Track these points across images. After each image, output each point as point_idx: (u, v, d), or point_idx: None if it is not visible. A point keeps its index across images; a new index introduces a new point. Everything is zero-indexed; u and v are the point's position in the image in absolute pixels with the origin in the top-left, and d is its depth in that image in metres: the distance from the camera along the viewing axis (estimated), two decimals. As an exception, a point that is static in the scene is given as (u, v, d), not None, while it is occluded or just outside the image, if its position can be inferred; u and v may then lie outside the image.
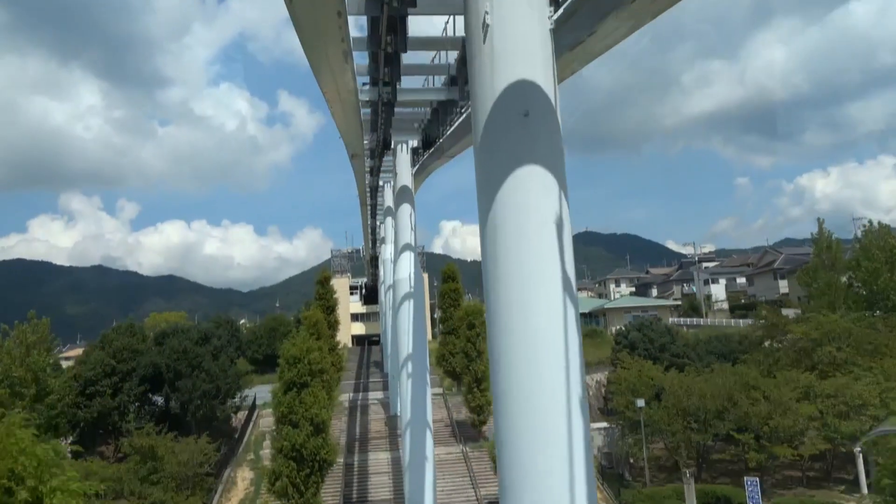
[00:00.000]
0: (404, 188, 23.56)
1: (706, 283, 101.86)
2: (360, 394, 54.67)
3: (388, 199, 42.15)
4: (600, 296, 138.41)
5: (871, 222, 51.40)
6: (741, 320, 71.50)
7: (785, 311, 61.36)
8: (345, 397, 50.18)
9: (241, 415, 43.57)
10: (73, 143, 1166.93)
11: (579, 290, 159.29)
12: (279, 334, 63.52)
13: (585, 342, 54.73)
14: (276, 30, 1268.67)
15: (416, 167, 25.96)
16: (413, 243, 23.23)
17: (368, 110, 19.75)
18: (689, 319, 71.00)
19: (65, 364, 52.77)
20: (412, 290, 22.75)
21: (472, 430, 37.62)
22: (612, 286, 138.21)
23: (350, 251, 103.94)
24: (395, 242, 31.39)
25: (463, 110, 18.17)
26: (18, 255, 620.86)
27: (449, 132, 21.73)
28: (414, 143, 24.10)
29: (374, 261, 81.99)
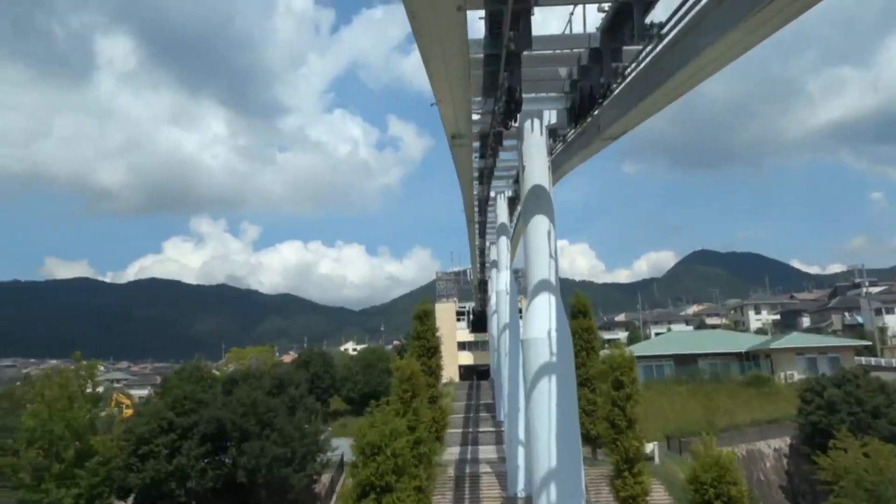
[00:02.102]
0: (537, 190, 14.62)
1: (878, 312, 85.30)
2: (469, 448, 45.82)
3: (501, 214, 33.25)
4: (736, 324, 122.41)
5: None
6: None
7: None
8: (450, 454, 41.55)
9: (327, 477, 36.00)
10: (201, 170, 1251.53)
11: (708, 316, 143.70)
12: (377, 371, 56.16)
13: (749, 391, 42.38)
14: (386, 57, 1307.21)
15: (553, 155, 16.98)
16: (554, 279, 14.19)
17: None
18: (873, 360, 56.77)
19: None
20: (554, 355, 13.71)
21: (620, 525, 27.65)
22: (751, 314, 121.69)
23: (457, 272, 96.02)
24: (518, 270, 22.80)
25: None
26: (153, 274, 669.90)
27: (618, 90, 12.73)
28: (552, 115, 15.28)
29: (483, 285, 73.44)
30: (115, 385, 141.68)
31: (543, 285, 14.22)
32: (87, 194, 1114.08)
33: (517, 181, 32.35)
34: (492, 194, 32.61)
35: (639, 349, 57.34)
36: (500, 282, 32.87)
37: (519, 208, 37.29)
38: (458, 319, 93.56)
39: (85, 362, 31.51)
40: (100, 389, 32.37)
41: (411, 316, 37.73)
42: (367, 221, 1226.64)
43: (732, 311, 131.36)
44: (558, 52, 14.03)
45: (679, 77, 11.14)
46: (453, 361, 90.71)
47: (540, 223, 14.48)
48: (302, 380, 35.47)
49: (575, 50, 13.29)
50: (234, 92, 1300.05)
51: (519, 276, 47.41)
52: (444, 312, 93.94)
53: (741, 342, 60.26)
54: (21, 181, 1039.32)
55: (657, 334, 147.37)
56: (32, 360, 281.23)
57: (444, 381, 73.68)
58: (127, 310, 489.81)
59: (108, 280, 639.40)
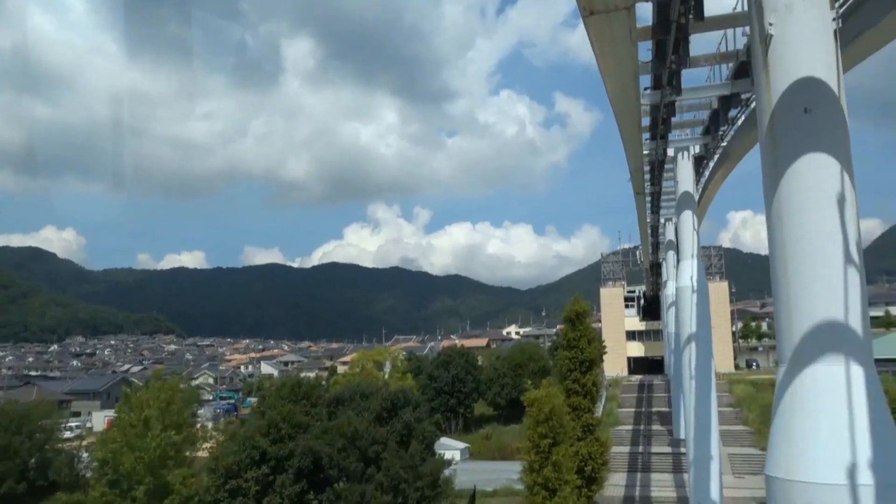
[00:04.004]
0: (814, 88, 5.67)
1: None
2: (638, 477, 36.40)
3: (683, 179, 23.53)
4: None
5: None
6: None
7: None
8: (614, 487, 32.64)
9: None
10: (377, 159, 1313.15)
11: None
12: (528, 372, 48.23)
13: None
14: (551, 34, 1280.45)
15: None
16: (861, 328, 5.33)
17: None
18: None
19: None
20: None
21: None
22: None
23: (626, 249, 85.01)
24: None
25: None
26: (333, 258, 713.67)
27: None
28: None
29: (656, 268, 62.45)
30: (286, 368, 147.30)
31: (844, 343, 5.32)
32: (278, 187, 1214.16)
33: (708, 131, 22.56)
34: (670, 152, 23.08)
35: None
36: (683, 275, 23.20)
37: (709, 168, 27.11)
38: (627, 305, 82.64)
39: (168, 379, 26.84)
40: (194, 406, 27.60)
41: (562, 317, 29.29)
42: (535, 201, 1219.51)
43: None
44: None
45: None
46: (621, 353, 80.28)
47: (817, 169, 5.54)
48: (422, 400, 28.40)
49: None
50: (405, 81, 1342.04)
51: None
52: (611, 298, 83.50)
53: None
54: (223, 178, 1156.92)
55: (873, 318, 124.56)
56: (229, 339, 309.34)
57: (608, 377, 64.12)
58: (311, 292, 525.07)
59: (295, 265, 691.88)
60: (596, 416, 26.31)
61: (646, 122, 19.83)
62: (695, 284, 22.43)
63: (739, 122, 18.89)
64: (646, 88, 15.05)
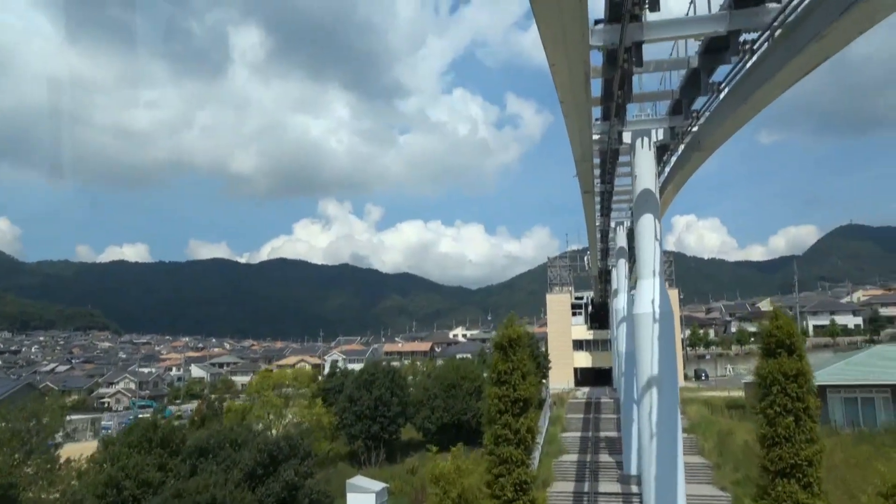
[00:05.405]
0: None
1: None
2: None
3: (643, 173, 18.21)
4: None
5: None
6: None
7: None
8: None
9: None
10: (328, 154, 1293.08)
11: (884, 305, 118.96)
12: (462, 394, 42.76)
13: None
14: (504, 33, 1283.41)
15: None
16: None
17: None
18: None
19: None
20: None
21: None
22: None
23: (574, 251, 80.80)
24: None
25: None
26: (281, 254, 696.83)
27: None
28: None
29: (605, 275, 57.93)
30: (219, 370, 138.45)
31: None
32: (226, 179, 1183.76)
33: (678, 108, 17.53)
34: (626, 137, 17.82)
35: (828, 375, 39.89)
36: (642, 298, 17.86)
37: (673, 159, 22.09)
38: (574, 313, 78.20)
39: None
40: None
41: (492, 343, 23.80)
42: (486, 200, 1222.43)
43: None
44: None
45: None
46: (567, 363, 75.85)
47: None
48: (306, 448, 22.38)
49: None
50: (357, 76, 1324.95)
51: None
52: (557, 305, 79.01)
53: None
54: (168, 169, 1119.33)
55: (816, 327, 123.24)
56: (168, 336, 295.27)
57: (553, 390, 59.52)
58: (258, 289, 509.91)
59: (242, 260, 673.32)
60: (531, 469, 20.82)
61: (596, 91, 14.54)
62: (657, 311, 17.18)
63: (724, 92, 13.64)
64: (597, 22, 9.67)
